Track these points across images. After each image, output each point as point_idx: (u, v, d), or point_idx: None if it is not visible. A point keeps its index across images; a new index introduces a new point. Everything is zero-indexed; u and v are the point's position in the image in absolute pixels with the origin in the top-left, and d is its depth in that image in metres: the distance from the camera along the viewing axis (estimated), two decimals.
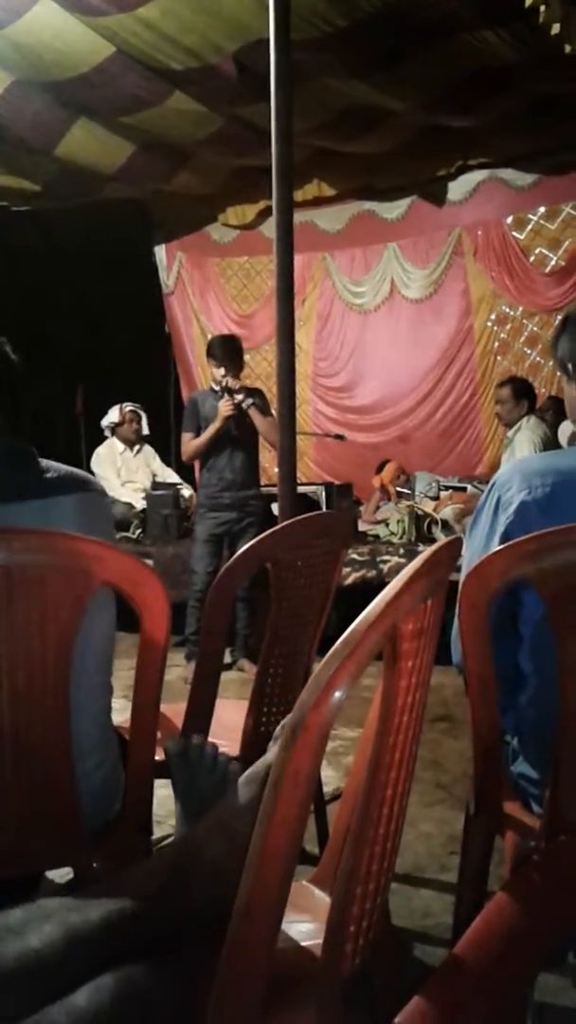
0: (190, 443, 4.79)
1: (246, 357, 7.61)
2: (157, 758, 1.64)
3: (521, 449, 4.96)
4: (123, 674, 1.64)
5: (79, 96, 4.73)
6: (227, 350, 4.72)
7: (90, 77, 4.49)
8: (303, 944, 1.22)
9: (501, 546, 1.45)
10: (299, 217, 6.06)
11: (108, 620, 1.54)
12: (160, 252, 8.10)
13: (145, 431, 6.22)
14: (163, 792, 1.61)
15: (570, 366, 1.67)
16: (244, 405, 4.60)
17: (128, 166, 5.71)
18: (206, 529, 4.77)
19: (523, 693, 1.64)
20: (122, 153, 5.57)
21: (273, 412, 4.77)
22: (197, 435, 4.75)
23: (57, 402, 7.32)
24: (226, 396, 4.61)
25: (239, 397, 4.60)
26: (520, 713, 1.65)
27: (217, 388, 4.68)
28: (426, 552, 1.00)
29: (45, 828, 1.44)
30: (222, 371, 4.66)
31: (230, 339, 4.94)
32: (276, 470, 2.98)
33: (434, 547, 1.02)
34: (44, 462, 1.52)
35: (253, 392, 4.74)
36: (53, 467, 1.53)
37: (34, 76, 4.53)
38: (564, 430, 4.70)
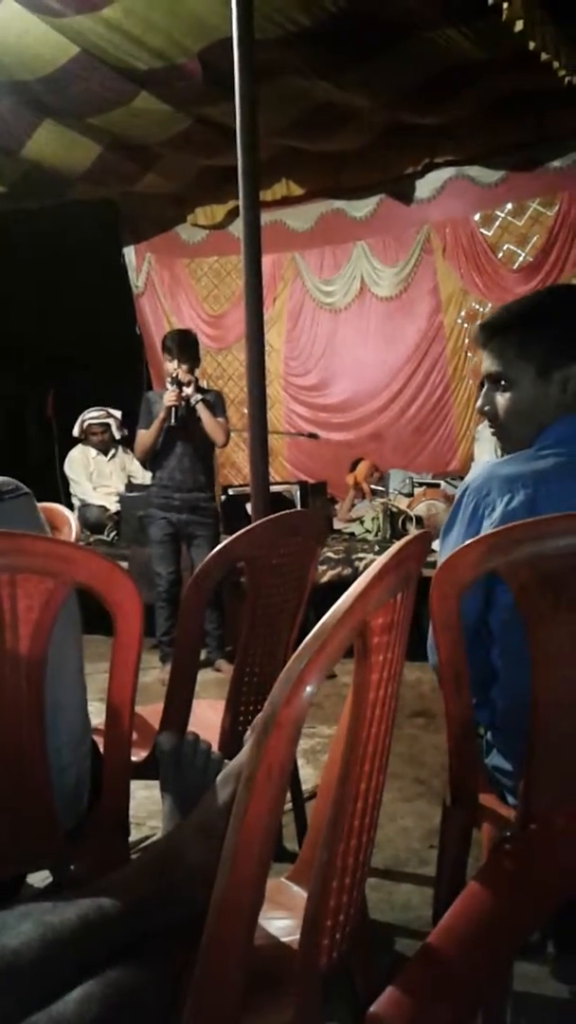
0: (139, 437, 4.75)
1: (217, 357, 7.68)
2: (133, 759, 1.65)
3: (482, 438, 5.00)
4: (99, 676, 1.63)
5: (45, 97, 4.70)
6: (180, 343, 4.70)
7: (55, 78, 4.47)
8: (281, 940, 1.22)
9: (469, 540, 1.46)
10: (268, 216, 6.09)
11: (76, 620, 1.53)
12: (129, 253, 8.08)
13: (117, 435, 6.21)
14: (142, 793, 1.61)
15: (540, 364, 1.67)
16: (192, 400, 4.57)
17: (96, 167, 5.69)
18: (160, 529, 4.74)
19: (495, 686, 1.65)
20: (89, 154, 5.55)
21: (228, 414, 4.78)
22: None
23: (28, 405, 7.29)
24: (173, 387, 4.59)
25: (187, 391, 4.58)
26: (492, 706, 1.67)
27: (169, 383, 4.65)
28: (395, 547, 1.00)
29: (20, 830, 1.44)
30: (174, 364, 4.64)
31: (184, 333, 4.89)
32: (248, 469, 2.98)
33: (403, 541, 1.03)
34: None
35: (206, 390, 4.72)
36: None
37: None
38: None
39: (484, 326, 1.73)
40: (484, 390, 1.75)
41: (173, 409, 4.55)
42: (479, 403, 1.77)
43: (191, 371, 4.66)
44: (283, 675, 0.85)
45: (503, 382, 1.69)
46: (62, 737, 1.49)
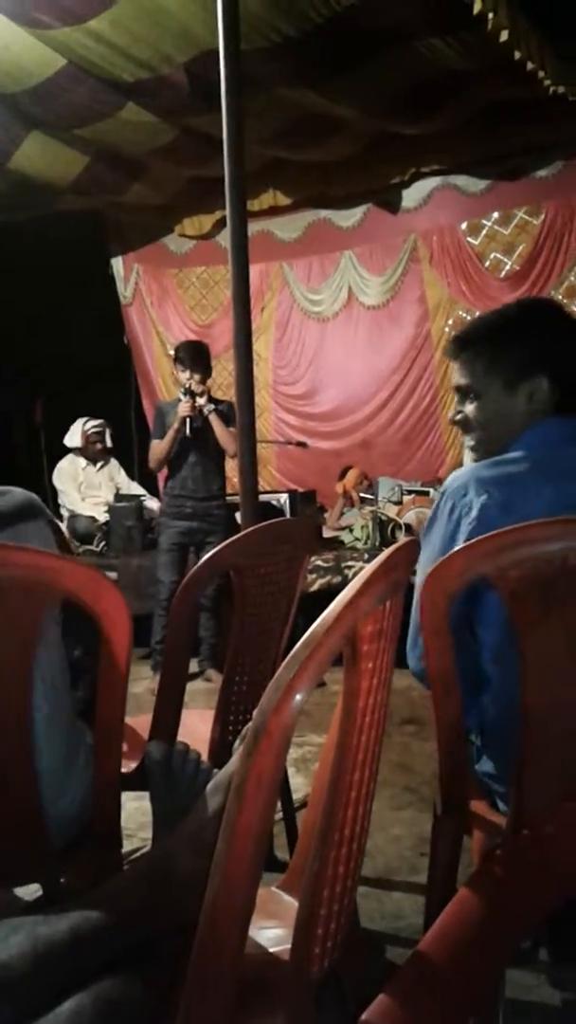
0: (154, 448, 4.80)
1: None
2: (124, 770, 1.64)
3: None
4: None
5: (31, 109, 4.71)
6: (192, 354, 4.76)
7: (42, 90, 4.47)
8: (273, 949, 1.22)
9: (459, 546, 1.47)
10: (255, 226, 6.11)
11: (57, 631, 1.52)
12: (117, 264, 8.09)
13: (109, 445, 6.21)
14: (132, 805, 1.60)
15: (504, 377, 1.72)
16: (205, 410, 4.62)
17: (82, 178, 5.69)
18: (169, 538, 4.78)
19: (485, 693, 1.66)
20: (76, 165, 5.55)
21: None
22: None
23: (16, 415, 7.28)
24: (187, 397, 4.63)
25: (200, 401, 4.61)
26: (482, 712, 1.67)
27: (183, 394, 4.70)
28: (383, 554, 1.01)
29: (11, 844, 1.43)
30: (187, 375, 4.69)
31: (197, 344, 4.98)
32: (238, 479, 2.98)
33: (391, 549, 1.03)
34: None
35: (220, 401, 4.76)
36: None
37: None
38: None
39: (455, 340, 1.79)
40: (455, 401, 1.81)
41: (187, 420, 4.60)
42: (450, 414, 1.84)
43: (203, 381, 4.70)
44: (272, 684, 0.85)
45: (472, 394, 1.76)
46: (54, 753, 1.48)
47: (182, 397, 4.69)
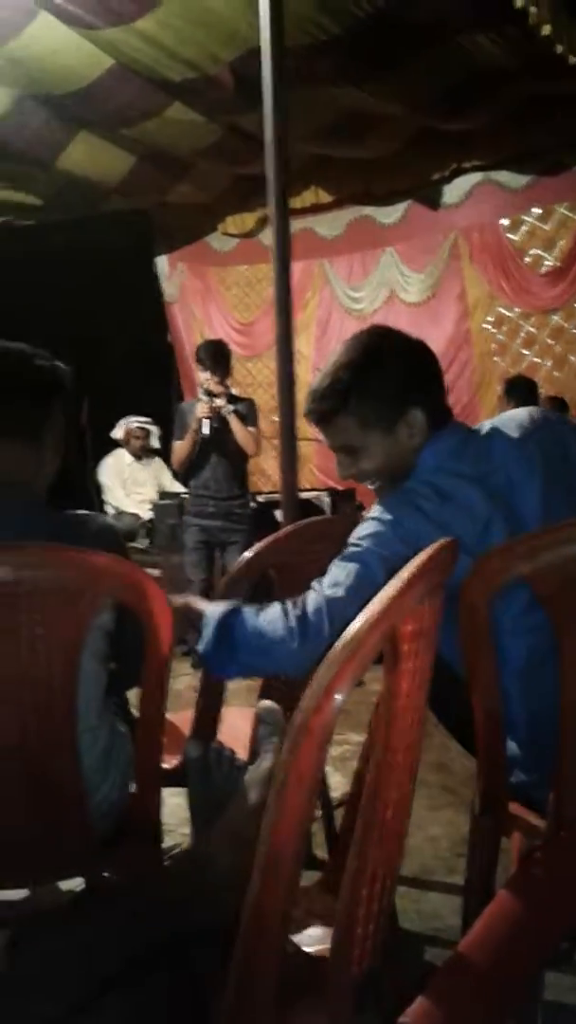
0: (175, 449, 4.82)
1: (247, 365, 7.70)
2: (165, 767, 1.65)
3: None
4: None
5: (79, 109, 4.74)
6: (212, 354, 4.74)
7: (90, 90, 4.50)
8: (312, 948, 1.22)
9: (497, 547, 1.46)
10: (297, 224, 6.09)
11: (103, 630, 1.52)
12: (161, 262, 8.12)
13: (156, 445, 6.25)
14: (173, 801, 1.61)
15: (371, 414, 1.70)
16: (224, 411, 4.61)
17: (129, 178, 5.72)
18: (193, 537, 4.81)
19: (511, 702, 1.61)
20: (123, 165, 5.58)
21: (259, 424, 4.81)
22: None
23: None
24: (206, 398, 4.62)
25: (219, 402, 4.61)
26: (513, 719, 1.62)
27: (202, 394, 4.69)
28: (423, 554, 1.00)
29: (56, 839, 1.45)
30: (207, 375, 4.68)
31: (216, 343, 4.96)
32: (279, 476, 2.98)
33: (431, 549, 1.02)
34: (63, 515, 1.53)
35: (238, 399, 4.75)
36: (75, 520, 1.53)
37: (34, 91, 4.55)
38: None
39: (313, 409, 1.75)
40: (338, 459, 1.78)
41: (206, 420, 4.59)
42: (339, 472, 1.81)
43: (223, 382, 4.69)
44: (313, 682, 0.85)
45: (355, 451, 1.74)
46: (98, 749, 1.49)
47: (203, 397, 4.68)
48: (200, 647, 1.57)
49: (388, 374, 1.71)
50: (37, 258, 7.23)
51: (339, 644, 0.86)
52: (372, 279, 7.14)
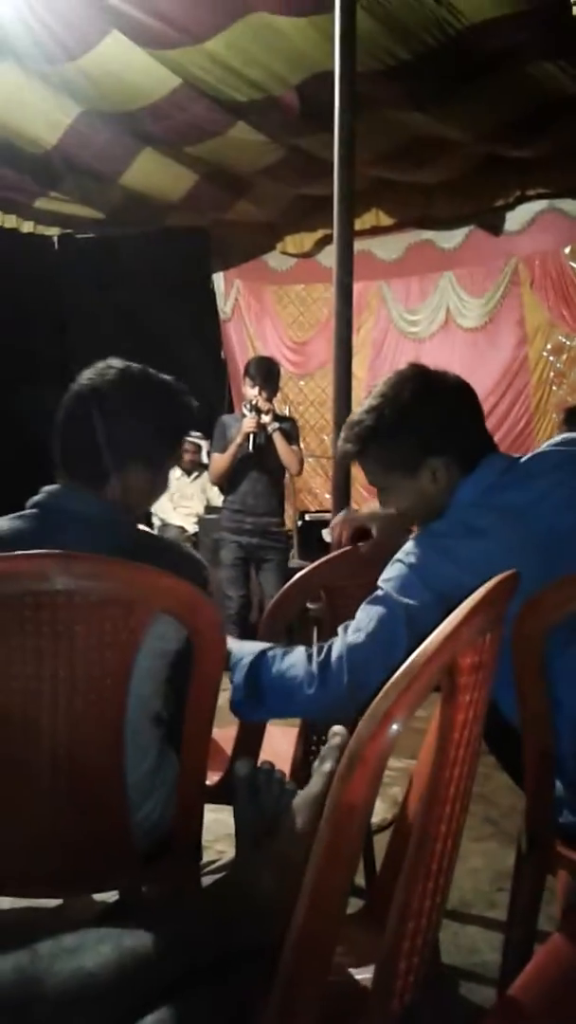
0: (214, 461, 4.82)
1: (300, 383, 7.72)
2: (207, 783, 1.65)
3: None
4: None
5: (145, 126, 4.81)
6: (263, 370, 4.76)
7: (157, 108, 4.56)
8: (351, 979, 1.20)
9: (556, 580, 1.44)
10: (357, 246, 6.08)
11: (163, 648, 1.53)
12: (218, 280, 8.19)
13: (206, 460, 6.30)
14: (210, 816, 1.61)
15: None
16: (269, 428, 4.61)
17: (190, 195, 5.79)
18: (230, 553, 4.80)
19: (564, 741, 1.58)
20: (185, 182, 5.65)
21: (307, 440, 4.83)
22: None
23: None
24: (252, 413, 4.62)
25: (266, 418, 4.61)
26: (562, 760, 1.59)
27: (248, 410, 4.69)
28: (486, 586, 0.99)
29: (98, 851, 1.45)
30: (256, 390, 4.68)
31: (267, 360, 4.98)
32: (328, 496, 2.98)
33: (494, 581, 1.01)
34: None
35: (283, 419, 4.75)
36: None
37: (102, 107, 4.63)
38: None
39: (345, 450, 1.81)
40: (377, 494, 1.85)
41: (251, 436, 4.60)
42: (380, 504, 1.88)
43: (270, 399, 4.70)
44: (370, 710, 0.85)
45: (384, 490, 1.80)
46: (144, 764, 1.50)
47: (246, 412, 4.68)
48: (231, 695, 1.60)
49: (412, 424, 1.72)
50: (97, 271, 7.34)
51: (398, 673, 0.85)
52: (429, 303, 7.13)
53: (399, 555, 1.64)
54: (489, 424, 6.42)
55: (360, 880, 2.38)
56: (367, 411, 1.76)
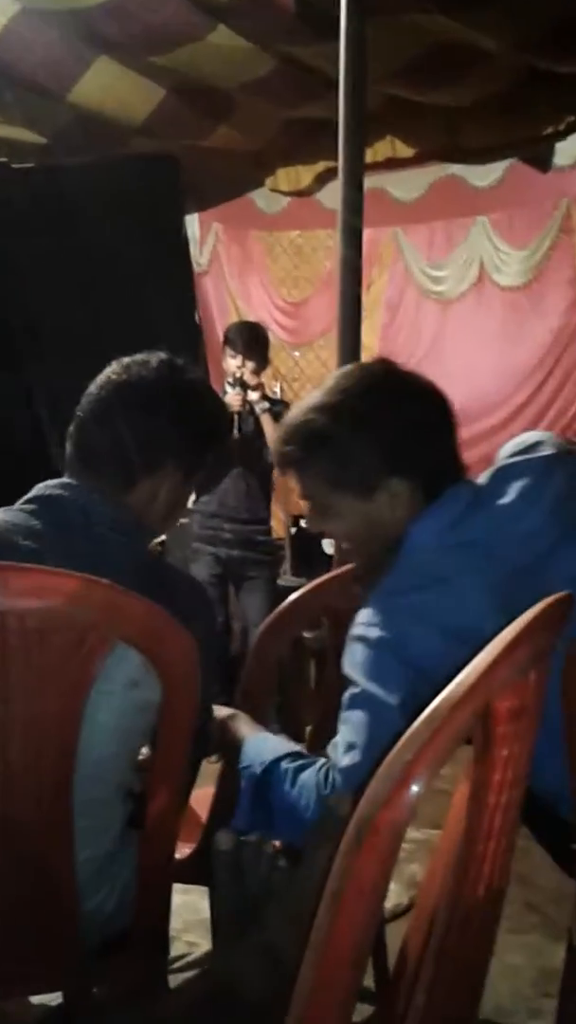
0: None
1: (295, 355, 7.72)
2: (176, 856, 1.65)
3: None
4: None
5: (102, 28, 4.80)
6: (247, 338, 4.74)
7: (117, 5, 4.56)
8: None
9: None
10: (367, 182, 6.10)
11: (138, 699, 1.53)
12: (192, 222, 8.19)
13: None
14: (177, 900, 1.61)
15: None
16: (258, 408, 4.55)
17: (157, 116, 5.77)
18: (204, 569, 4.65)
19: None
20: (150, 99, 5.63)
21: None
22: None
23: (71, 397, 7.42)
24: (237, 389, 4.57)
25: (253, 396, 4.57)
26: None
27: (230, 385, 4.64)
28: (530, 611, 1.00)
29: (34, 944, 1.45)
30: (238, 361, 4.65)
31: (251, 325, 4.99)
32: None
33: (541, 605, 1.02)
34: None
35: (276, 401, 4.70)
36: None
37: (47, 3, 4.62)
38: None
39: (282, 452, 1.79)
40: (308, 510, 1.82)
41: (235, 417, 4.50)
42: (306, 524, 1.86)
43: (258, 372, 4.66)
44: (384, 768, 0.85)
45: (323, 509, 1.77)
46: (97, 832, 1.50)
47: (228, 388, 4.61)
48: (235, 817, 1.63)
49: (376, 433, 1.70)
50: (38, 209, 7.32)
51: (419, 722, 0.86)
52: (458, 254, 7.14)
53: (356, 630, 1.62)
54: (535, 406, 6.52)
55: (369, 981, 2.39)
56: (319, 408, 1.72)
